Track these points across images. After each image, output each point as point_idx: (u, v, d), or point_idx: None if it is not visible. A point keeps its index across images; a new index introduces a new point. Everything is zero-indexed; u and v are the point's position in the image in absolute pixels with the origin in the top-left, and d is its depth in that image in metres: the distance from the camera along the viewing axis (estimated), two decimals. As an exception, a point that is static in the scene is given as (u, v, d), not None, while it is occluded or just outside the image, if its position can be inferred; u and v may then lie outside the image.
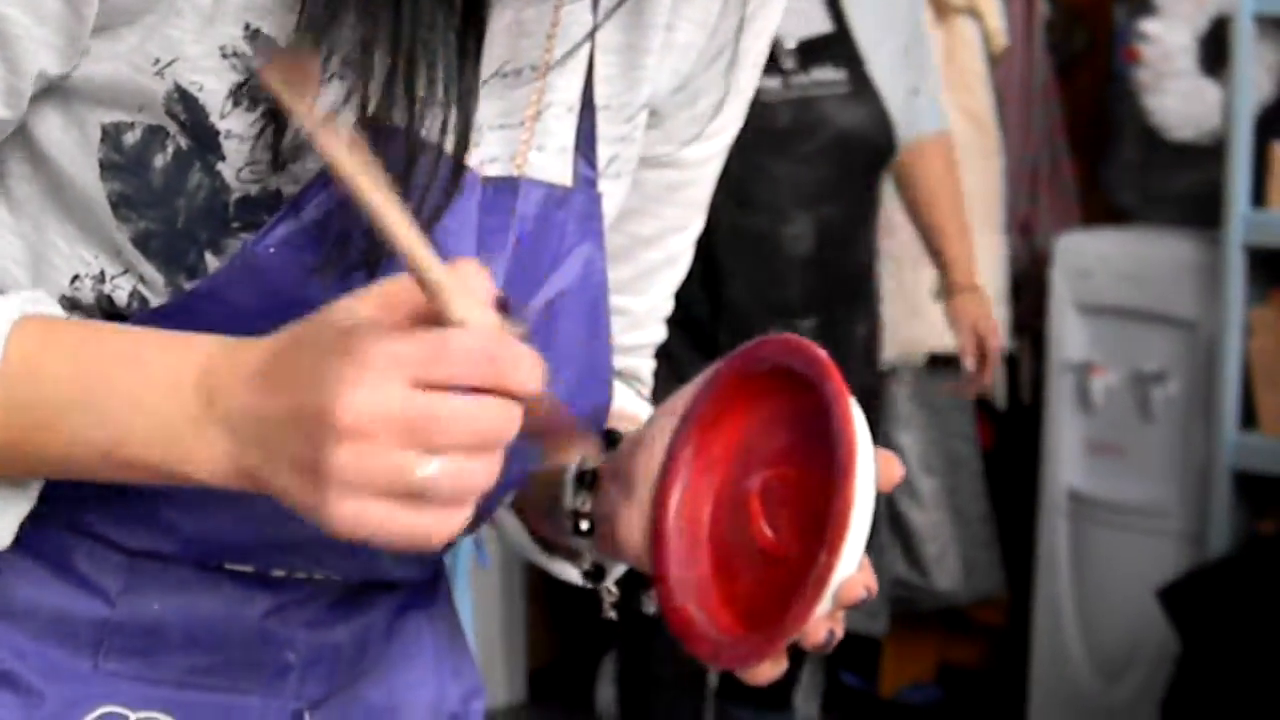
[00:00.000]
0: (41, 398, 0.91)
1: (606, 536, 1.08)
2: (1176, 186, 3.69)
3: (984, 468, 3.88)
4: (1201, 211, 3.53)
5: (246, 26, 0.95)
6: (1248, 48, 3.39)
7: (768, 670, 0.97)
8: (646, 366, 1.25)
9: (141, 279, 1.00)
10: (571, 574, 1.16)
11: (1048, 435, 3.72)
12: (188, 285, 0.98)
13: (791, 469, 0.97)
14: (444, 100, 0.95)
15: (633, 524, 1.05)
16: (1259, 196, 3.39)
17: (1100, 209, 3.92)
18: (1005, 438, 4.00)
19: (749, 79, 1.17)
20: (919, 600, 3.83)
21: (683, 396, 1.04)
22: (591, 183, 1.07)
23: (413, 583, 1.17)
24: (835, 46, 3.02)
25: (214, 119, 0.96)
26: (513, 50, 1.02)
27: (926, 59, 3.19)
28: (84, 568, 1.03)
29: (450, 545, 0.92)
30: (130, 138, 0.97)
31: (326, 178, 0.95)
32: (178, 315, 0.97)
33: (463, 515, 0.85)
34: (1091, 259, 3.65)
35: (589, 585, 1.15)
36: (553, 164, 1.05)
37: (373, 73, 0.94)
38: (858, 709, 4.08)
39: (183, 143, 0.97)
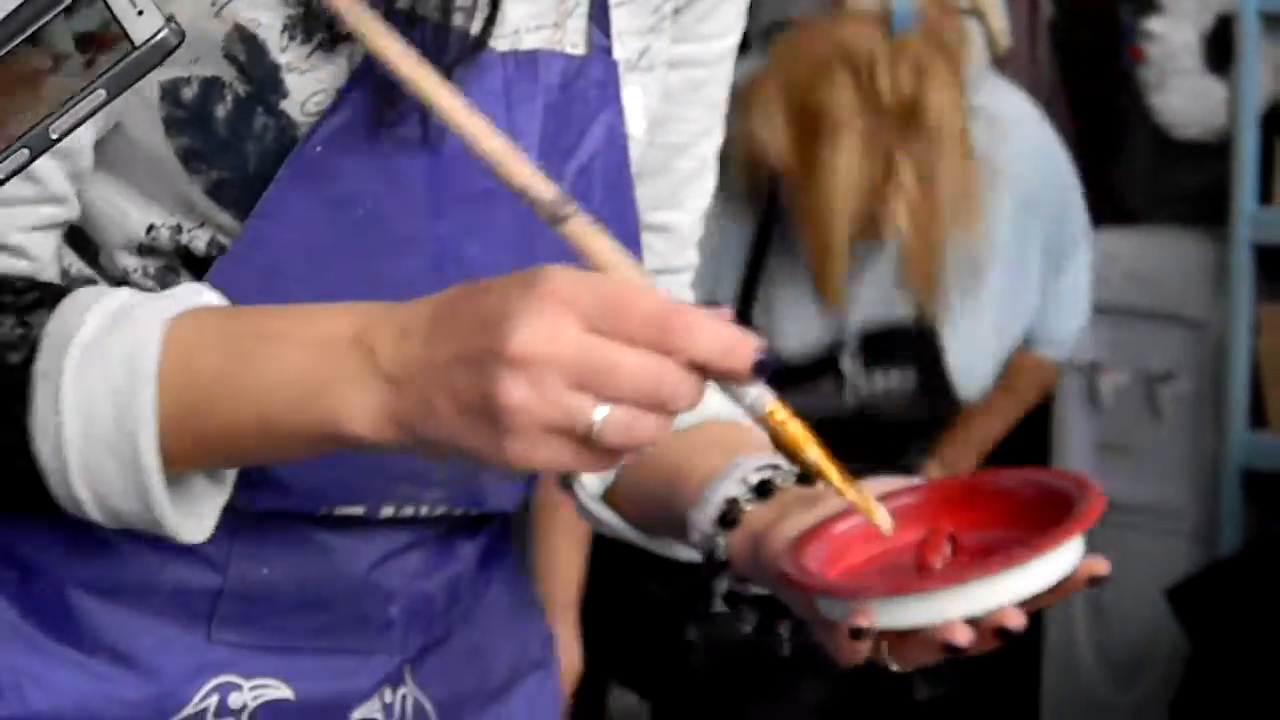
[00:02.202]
0: (198, 394, 0.91)
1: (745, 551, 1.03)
2: (1183, 185, 3.68)
3: (992, 468, 3.85)
4: (1208, 210, 3.52)
5: None
6: (1252, 45, 3.37)
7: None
8: (690, 300, 1.24)
9: (220, 228, 1.00)
10: (683, 552, 1.13)
11: (1056, 435, 3.71)
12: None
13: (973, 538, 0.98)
14: None
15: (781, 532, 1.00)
16: (1266, 194, 3.38)
17: (1107, 209, 3.91)
18: (1013, 438, 3.98)
19: None
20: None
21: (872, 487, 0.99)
22: (606, 50, 1.08)
23: (493, 529, 1.17)
24: (909, 338, 2.69)
25: (274, 54, 0.97)
26: None
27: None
28: None
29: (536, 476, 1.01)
30: (189, 92, 0.98)
31: (360, 72, 0.96)
32: (251, 251, 0.98)
33: (620, 462, 0.85)
34: (1099, 259, 3.64)
35: (724, 608, 1.10)
36: (569, 36, 1.06)
37: None
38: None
39: (241, 89, 0.97)
